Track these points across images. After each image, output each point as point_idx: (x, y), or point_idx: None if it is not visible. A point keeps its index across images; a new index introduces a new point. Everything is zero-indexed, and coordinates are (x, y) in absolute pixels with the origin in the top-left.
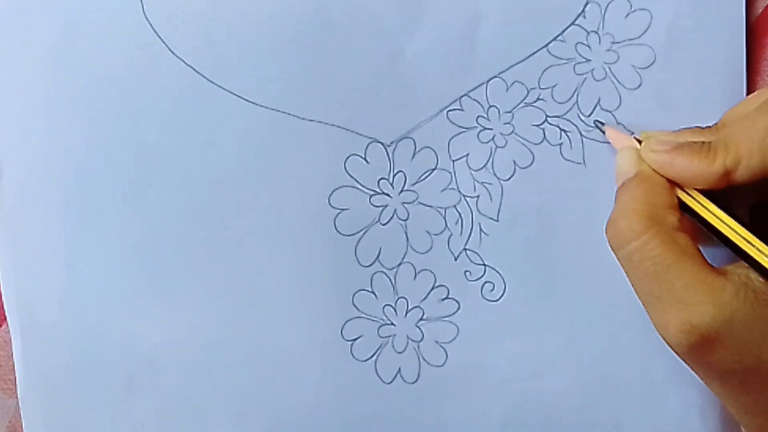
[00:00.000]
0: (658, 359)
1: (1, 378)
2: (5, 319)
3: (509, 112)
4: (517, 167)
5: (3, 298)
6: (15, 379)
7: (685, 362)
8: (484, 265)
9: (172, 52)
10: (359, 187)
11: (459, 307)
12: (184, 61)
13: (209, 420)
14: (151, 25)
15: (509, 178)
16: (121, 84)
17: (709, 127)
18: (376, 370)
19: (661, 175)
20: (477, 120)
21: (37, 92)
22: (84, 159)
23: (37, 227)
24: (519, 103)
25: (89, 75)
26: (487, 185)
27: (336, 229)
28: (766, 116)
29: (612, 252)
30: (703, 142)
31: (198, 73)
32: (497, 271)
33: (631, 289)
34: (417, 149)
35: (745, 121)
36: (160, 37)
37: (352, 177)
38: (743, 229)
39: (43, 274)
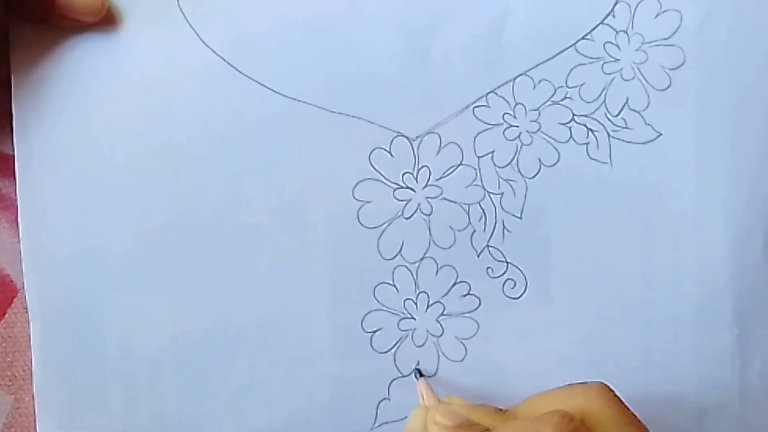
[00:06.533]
0: (676, 361)
1: None
2: (4, 315)
3: (536, 110)
4: (542, 165)
5: (25, 286)
6: (11, 375)
7: None
8: (507, 262)
9: (204, 43)
10: (383, 180)
11: (480, 304)
12: (215, 52)
13: (229, 410)
14: (184, 15)
15: (534, 176)
16: (151, 72)
17: (506, 411)
18: (395, 362)
19: None
20: (503, 117)
21: (67, 82)
22: (111, 148)
23: (63, 216)
24: (546, 101)
25: (120, 62)
26: (511, 182)
27: (359, 221)
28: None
29: None
30: (486, 429)
31: (228, 63)
32: (519, 269)
33: (650, 290)
34: (442, 144)
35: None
36: (192, 28)
37: (376, 170)
38: None
39: (67, 262)
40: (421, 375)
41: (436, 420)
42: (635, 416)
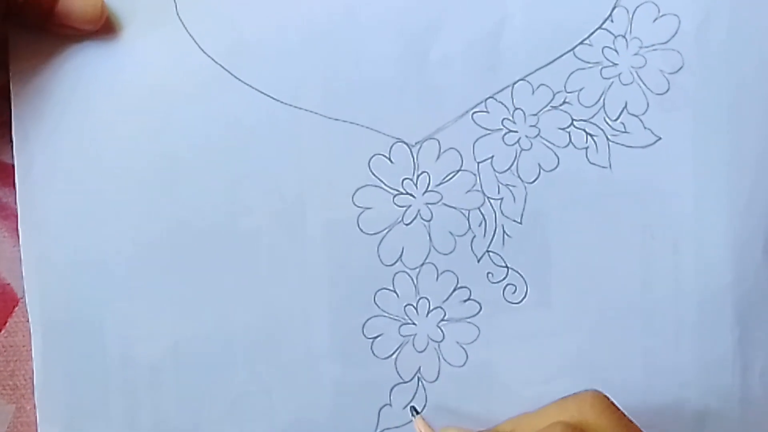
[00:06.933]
0: (677, 365)
1: None
2: (5, 324)
3: (535, 114)
4: (541, 170)
5: (26, 295)
6: (13, 384)
7: None
8: (507, 267)
9: (203, 50)
10: (383, 186)
11: (480, 309)
12: (213, 59)
13: (230, 417)
14: (183, 23)
15: (534, 181)
16: (150, 80)
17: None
18: (396, 368)
19: None
20: (502, 122)
21: (66, 90)
22: (111, 156)
23: (63, 224)
24: (545, 106)
25: (119, 70)
26: (511, 188)
27: (359, 227)
28: None
29: None
30: None
31: (227, 71)
32: (520, 274)
33: (650, 294)
34: (442, 150)
35: None
36: (191, 36)
37: (376, 176)
38: None
39: (67, 271)
40: (417, 412)
41: None
42: (633, 423)
